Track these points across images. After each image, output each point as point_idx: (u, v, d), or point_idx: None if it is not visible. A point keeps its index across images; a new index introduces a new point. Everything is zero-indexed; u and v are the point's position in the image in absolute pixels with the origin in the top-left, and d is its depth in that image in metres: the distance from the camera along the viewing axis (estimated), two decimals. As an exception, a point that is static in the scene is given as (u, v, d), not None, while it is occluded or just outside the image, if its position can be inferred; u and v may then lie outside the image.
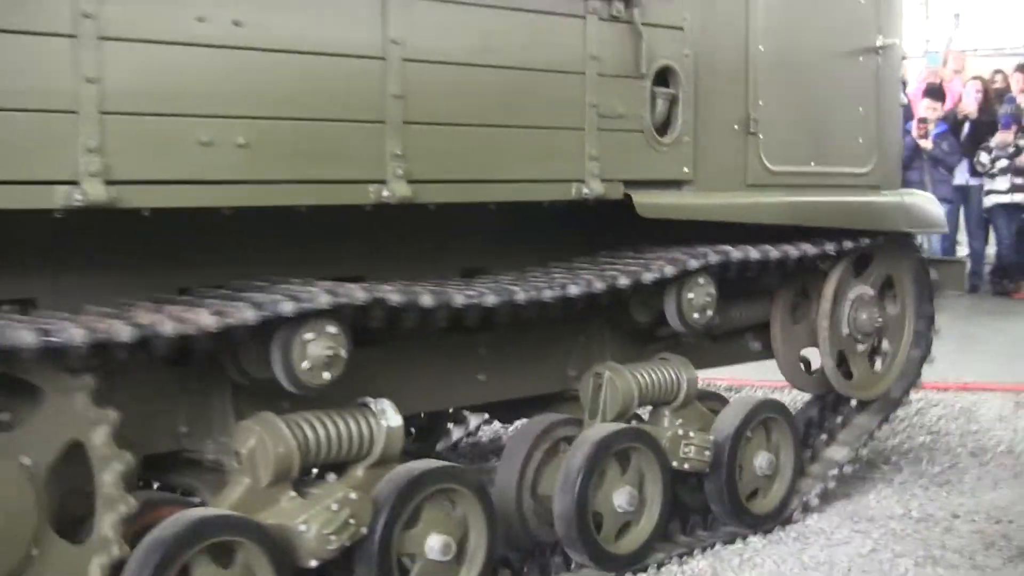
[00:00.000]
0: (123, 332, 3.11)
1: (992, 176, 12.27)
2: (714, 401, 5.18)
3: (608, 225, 4.67)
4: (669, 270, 4.44)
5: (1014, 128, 12.17)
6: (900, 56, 5.54)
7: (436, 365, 4.32)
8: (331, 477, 3.77)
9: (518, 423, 5.40)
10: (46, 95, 3.01)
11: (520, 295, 3.95)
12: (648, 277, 4.37)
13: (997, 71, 13.61)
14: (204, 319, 3.25)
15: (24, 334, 2.93)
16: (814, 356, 5.48)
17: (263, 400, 3.73)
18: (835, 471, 5.36)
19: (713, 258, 4.55)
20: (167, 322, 3.21)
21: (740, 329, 5.36)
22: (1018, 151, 12.10)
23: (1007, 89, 12.99)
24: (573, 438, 4.50)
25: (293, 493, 3.62)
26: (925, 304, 5.67)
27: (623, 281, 4.30)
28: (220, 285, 3.68)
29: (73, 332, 3.02)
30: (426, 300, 3.69)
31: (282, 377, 3.51)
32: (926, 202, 5.62)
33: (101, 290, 3.50)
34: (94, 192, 3.06)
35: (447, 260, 4.35)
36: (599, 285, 4.22)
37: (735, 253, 4.64)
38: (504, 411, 5.19)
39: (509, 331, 4.35)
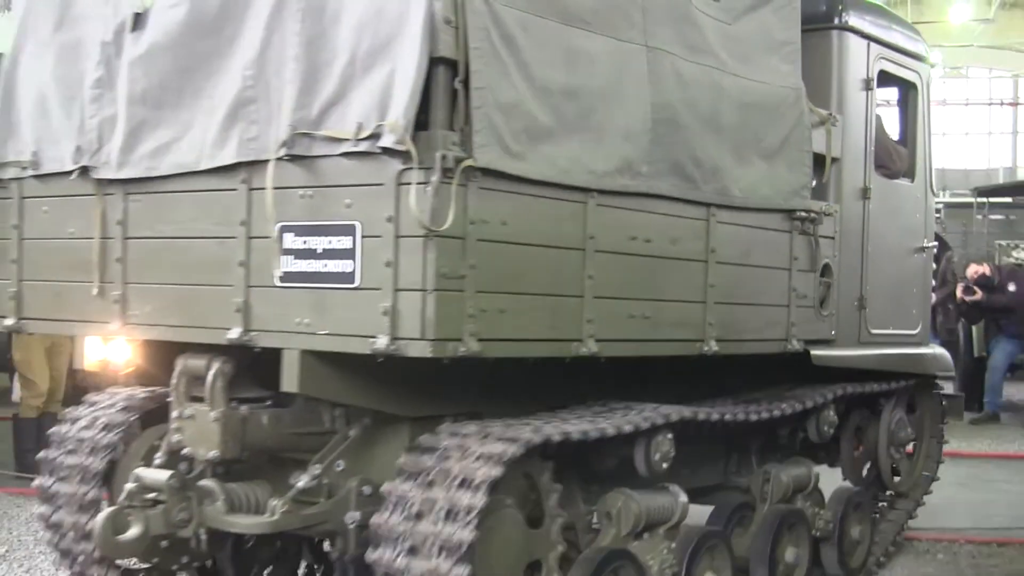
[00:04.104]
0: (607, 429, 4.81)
1: None
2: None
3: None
4: (820, 399, 6.35)
5: None
6: (934, 252, 7.67)
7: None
8: (646, 535, 5.45)
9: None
10: (566, 286, 4.70)
11: (775, 413, 5.82)
12: (812, 402, 6.27)
13: None
14: (626, 425, 4.96)
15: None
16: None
17: (596, 483, 5.41)
18: (890, 539, 7.33)
19: (850, 390, 6.49)
20: (609, 427, 4.90)
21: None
22: None
23: None
24: (746, 515, 6.30)
25: (636, 542, 5.31)
26: (937, 423, 7.75)
27: (797, 406, 6.18)
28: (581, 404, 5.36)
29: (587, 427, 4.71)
30: (731, 418, 5.48)
31: (641, 466, 5.22)
32: (943, 353, 7.72)
33: (514, 407, 5.05)
34: (590, 347, 4.75)
35: (664, 392, 6.04)
36: (794, 409, 6.09)
37: (857, 388, 6.60)
38: None
39: (699, 440, 6.11)
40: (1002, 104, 42.77)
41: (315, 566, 6.30)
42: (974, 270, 14.32)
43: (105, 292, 5.00)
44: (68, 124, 5.08)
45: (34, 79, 5.24)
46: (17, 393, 9.94)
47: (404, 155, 4.11)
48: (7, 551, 7.04)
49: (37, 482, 5.56)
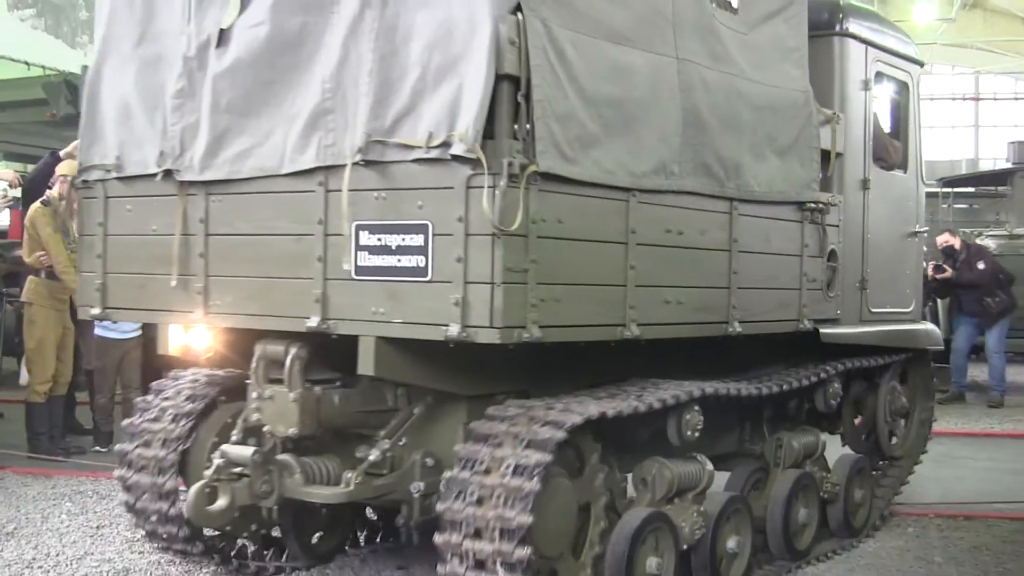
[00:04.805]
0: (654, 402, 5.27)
1: None
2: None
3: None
4: (831, 371, 6.84)
5: None
6: (925, 237, 8.16)
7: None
8: (676, 500, 5.91)
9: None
10: (612, 276, 5.14)
11: (784, 387, 6.29)
12: (825, 375, 6.77)
13: None
14: (668, 397, 5.42)
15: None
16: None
17: (628, 453, 5.86)
18: (886, 503, 7.85)
19: (858, 363, 6.99)
20: (651, 400, 5.36)
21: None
22: None
23: None
24: (760, 480, 6.79)
25: (668, 506, 5.78)
26: (928, 394, 8.28)
27: (814, 379, 6.66)
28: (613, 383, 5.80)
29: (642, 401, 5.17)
30: (752, 391, 5.96)
31: (674, 436, 5.68)
32: (934, 328, 8.22)
33: (559, 387, 5.48)
34: (633, 331, 5.20)
35: (687, 370, 6.48)
36: (806, 382, 6.57)
37: (858, 362, 7.09)
38: None
39: (718, 412, 6.57)
40: (964, 99, 43.89)
41: (361, 532, 6.79)
42: (945, 239, 14.71)
43: (188, 284, 5.41)
44: (151, 131, 5.48)
45: (117, 90, 5.64)
46: (24, 378, 10.28)
47: (473, 162, 4.54)
48: (15, 528, 7.20)
49: (119, 446, 5.98)
